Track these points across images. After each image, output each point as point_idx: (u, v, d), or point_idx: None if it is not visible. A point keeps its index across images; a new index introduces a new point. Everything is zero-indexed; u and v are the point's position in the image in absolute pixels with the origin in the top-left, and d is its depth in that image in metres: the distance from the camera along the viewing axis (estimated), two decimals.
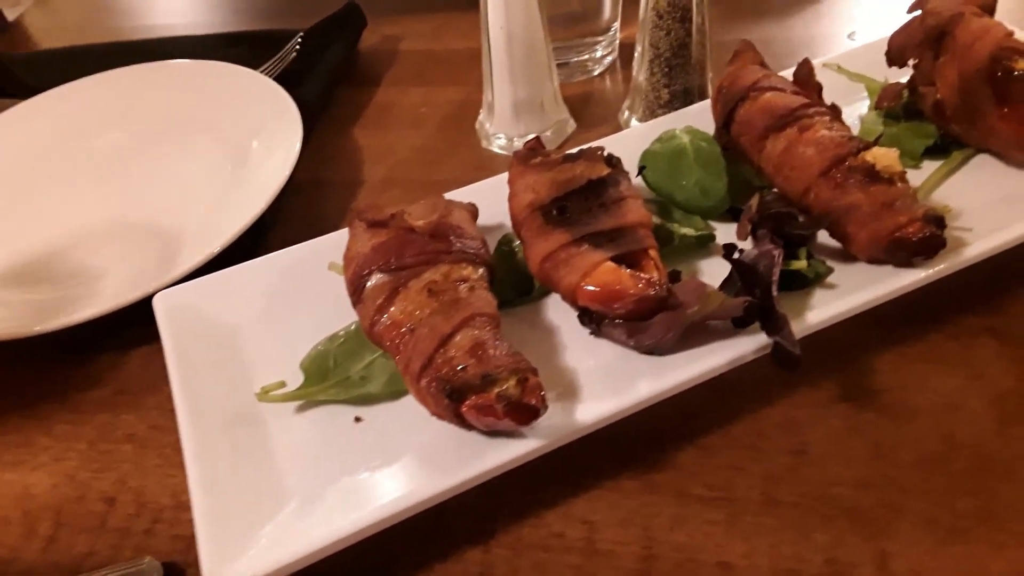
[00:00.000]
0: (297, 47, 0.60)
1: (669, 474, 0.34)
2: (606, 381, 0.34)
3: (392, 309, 0.35)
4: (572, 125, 0.55)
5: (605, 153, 0.41)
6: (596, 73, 0.60)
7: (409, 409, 0.35)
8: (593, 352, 0.36)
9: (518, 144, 0.53)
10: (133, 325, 0.43)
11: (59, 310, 0.43)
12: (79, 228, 0.50)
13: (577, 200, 0.39)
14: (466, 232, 0.38)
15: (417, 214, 0.38)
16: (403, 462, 0.33)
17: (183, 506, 0.36)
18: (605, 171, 0.39)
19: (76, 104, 0.59)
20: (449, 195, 0.44)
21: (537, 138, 0.42)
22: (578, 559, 0.32)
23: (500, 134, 0.54)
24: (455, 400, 0.31)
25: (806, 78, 0.43)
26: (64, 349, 0.44)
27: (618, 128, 0.55)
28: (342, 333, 0.38)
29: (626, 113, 0.54)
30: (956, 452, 0.33)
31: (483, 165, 0.54)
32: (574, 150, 0.42)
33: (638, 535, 0.32)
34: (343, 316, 0.39)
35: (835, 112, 0.41)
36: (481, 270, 0.36)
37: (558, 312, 0.38)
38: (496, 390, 0.30)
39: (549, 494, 0.34)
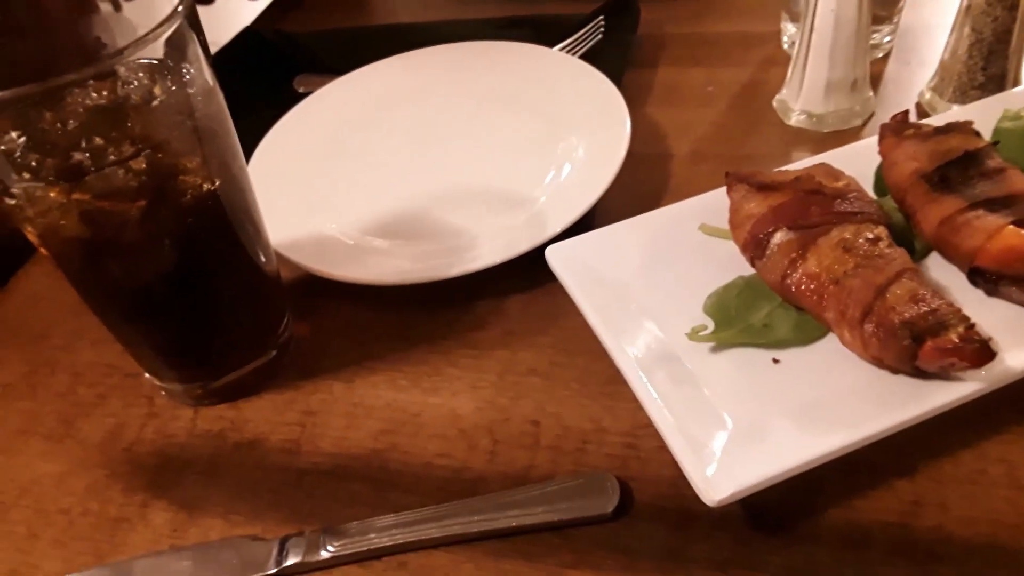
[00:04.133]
0: (601, 28, 0.64)
1: None
2: (1017, 335, 0.37)
3: (807, 263, 0.39)
4: (875, 103, 0.58)
5: (974, 127, 0.44)
6: (879, 56, 0.63)
7: (824, 354, 0.38)
8: (989, 309, 0.39)
9: (829, 120, 0.56)
10: (504, 277, 0.48)
11: (449, 259, 0.49)
12: (428, 190, 0.56)
13: (957, 170, 0.42)
14: (862, 194, 0.41)
15: (820, 177, 0.41)
16: (842, 398, 0.36)
17: (604, 430, 0.40)
18: (981, 143, 0.42)
19: (393, 78, 0.65)
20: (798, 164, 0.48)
21: (906, 112, 0.45)
22: (1005, 492, 0.35)
23: (805, 111, 0.57)
24: (917, 343, 0.34)
25: None
26: (447, 296, 0.49)
27: (918, 107, 0.57)
28: (733, 285, 0.42)
29: (928, 95, 0.57)
30: None
31: (789, 140, 0.57)
32: (942, 123, 0.45)
33: None
34: (722, 272, 0.43)
35: None
36: (884, 228, 0.40)
37: (942, 273, 0.41)
38: (952, 334, 0.34)
39: (959, 436, 0.37)
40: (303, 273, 0.50)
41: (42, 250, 0.40)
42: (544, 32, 0.67)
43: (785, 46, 0.66)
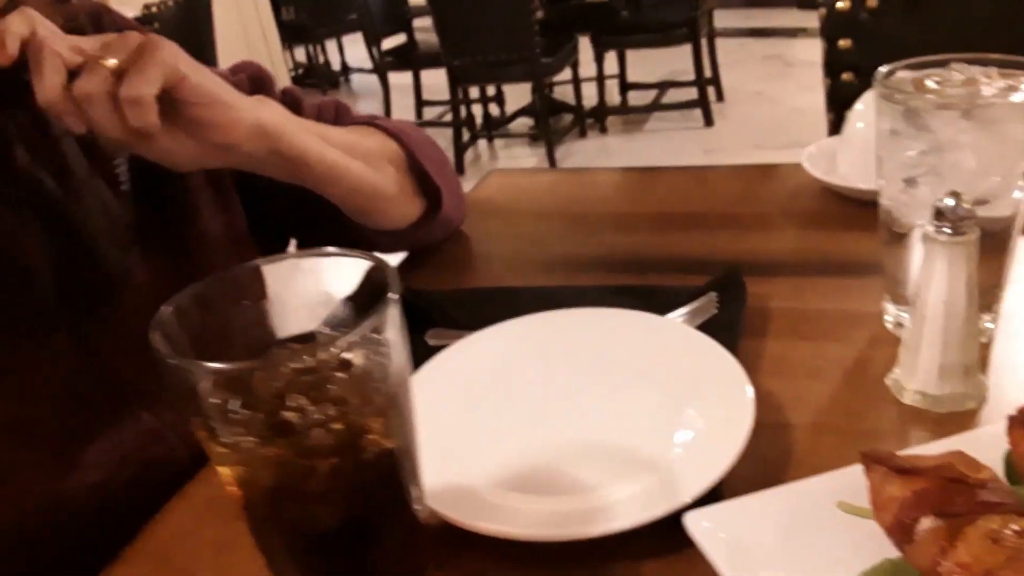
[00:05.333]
0: (716, 304, 0.70)
1: None
2: None
3: (957, 552, 0.40)
4: (987, 387, 0.60)
5: None
6: (984, 342, 0.66)
7: None
8: None
9: (944, 402, 0.59)
10: (639, 539, 0.50)
11: (584, 519, 0.51)
12: (557, 446, 0.59)
13: None
14: (1003, 486, 0.43)
15: (960, 465, 0.44)
16: None
17: None
18: None
19: (520, 338, 0.71)
20: (932, 446, 0.50)
21: None
22: None
23: (920, 392, 0.60)
24: None
25: None
26: (581, 556, 0.50)
27: None
28: (882, 568, 0.43)
29: None
30: None
31: (906, 418, 0.60)
32: None
33: None
34: (865, 551, 0.44)
35: None
36: None
37: None
38: None
39: None
40: (437, 523, 0.53)
41: (233, 490, 0.44)
42: (654, 301, 0.73)
43: (888, 326, 0.70)
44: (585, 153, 4.33)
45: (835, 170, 0.95)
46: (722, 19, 4.71)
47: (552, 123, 4.33)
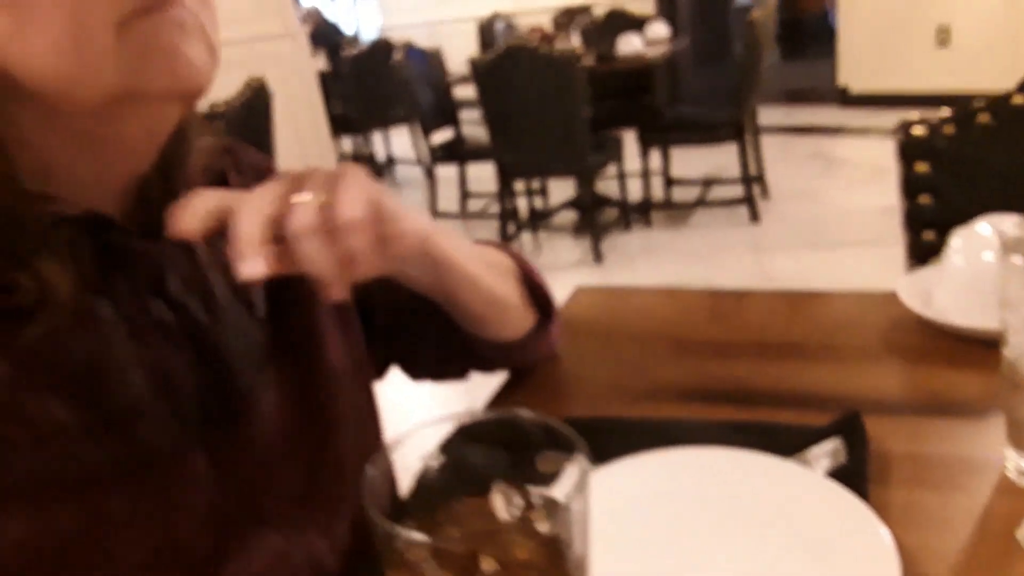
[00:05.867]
0: (844, 452, 0.71)
1: None
2: None
3: None
4: None
5: None
6: None
7: None
8: None
9: None
10: None
11: None
12: None
13: None
14: None
15: None
16: None
17: None
18: None
19: (642, 476, 0.72)
20: None
21: None
22: None
23: None
24: None
25: None
26: None
27: None
28: None
29: None
30: None
31: None
32: None
33: None
34: None
35: None
36: None
37: None
38: None
39: None
40: None
41: None
42: (776, 442, 0.74)
43: (1010, 474, 0.70)
44: (630, 247, 4.38)
45: (931, 303, 0.97)
46: (764, 116, 4.81)
47: (596, 216, 4.40)
